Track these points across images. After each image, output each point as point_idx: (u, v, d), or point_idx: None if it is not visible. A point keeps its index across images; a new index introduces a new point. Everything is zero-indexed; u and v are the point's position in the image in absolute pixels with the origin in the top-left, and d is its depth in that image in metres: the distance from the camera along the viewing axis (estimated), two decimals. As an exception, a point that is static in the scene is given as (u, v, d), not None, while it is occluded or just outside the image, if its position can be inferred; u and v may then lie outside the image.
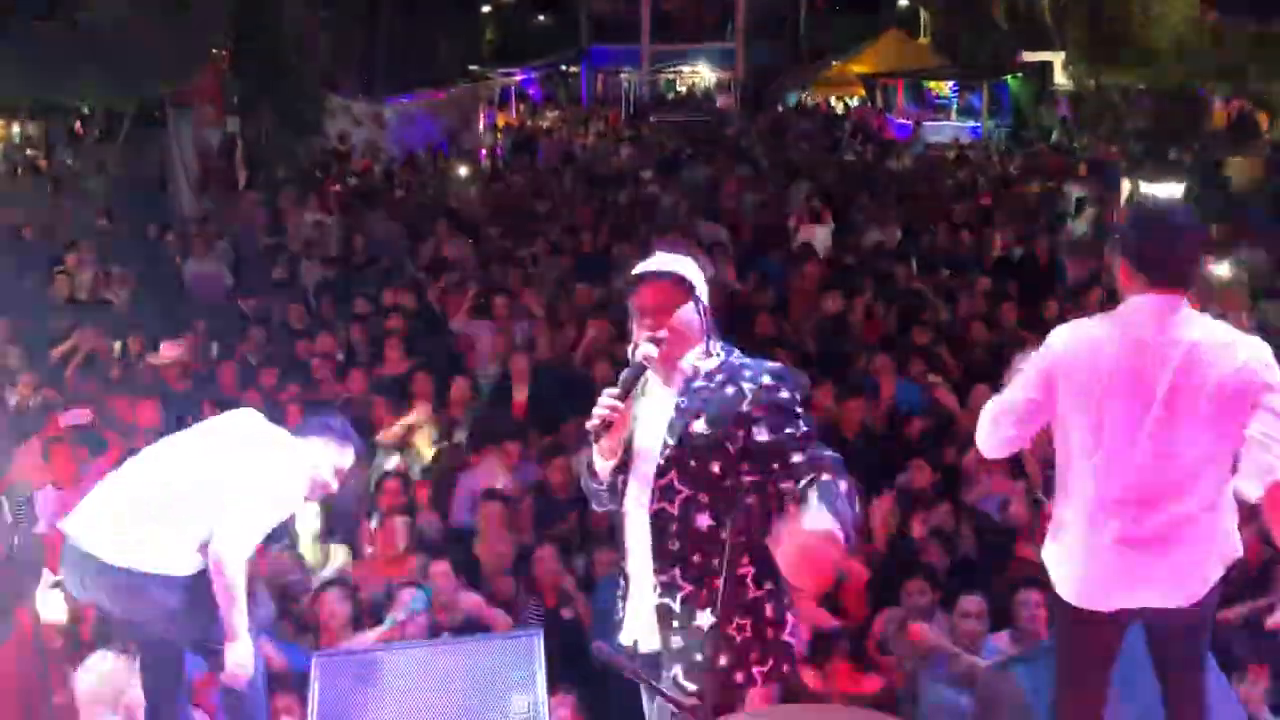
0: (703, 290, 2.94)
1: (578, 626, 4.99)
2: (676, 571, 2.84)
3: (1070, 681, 3.15)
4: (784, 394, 2.83)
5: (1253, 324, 8.34)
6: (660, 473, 2.83)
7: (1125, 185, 13.97)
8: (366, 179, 16.85)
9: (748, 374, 2.86)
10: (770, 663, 2.87)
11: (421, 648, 3.27)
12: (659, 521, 2.84)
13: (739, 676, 2.83)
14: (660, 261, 2.94)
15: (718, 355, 2.89)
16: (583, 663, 3.84)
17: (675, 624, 2.85)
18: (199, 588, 3.62)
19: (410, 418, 6.62)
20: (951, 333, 8.41)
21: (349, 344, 8.33)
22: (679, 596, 2.83)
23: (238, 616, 3.61)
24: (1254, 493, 2.87)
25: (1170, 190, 12.37)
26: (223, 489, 3.65)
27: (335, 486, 3.98)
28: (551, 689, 3.27)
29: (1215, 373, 2.86)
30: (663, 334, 2.84)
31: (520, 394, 7.22)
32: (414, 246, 11.59)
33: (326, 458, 3.91)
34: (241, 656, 3.63)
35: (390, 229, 12.22)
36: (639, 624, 2.92)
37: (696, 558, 2.83)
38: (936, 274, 10.30)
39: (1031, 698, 3.33)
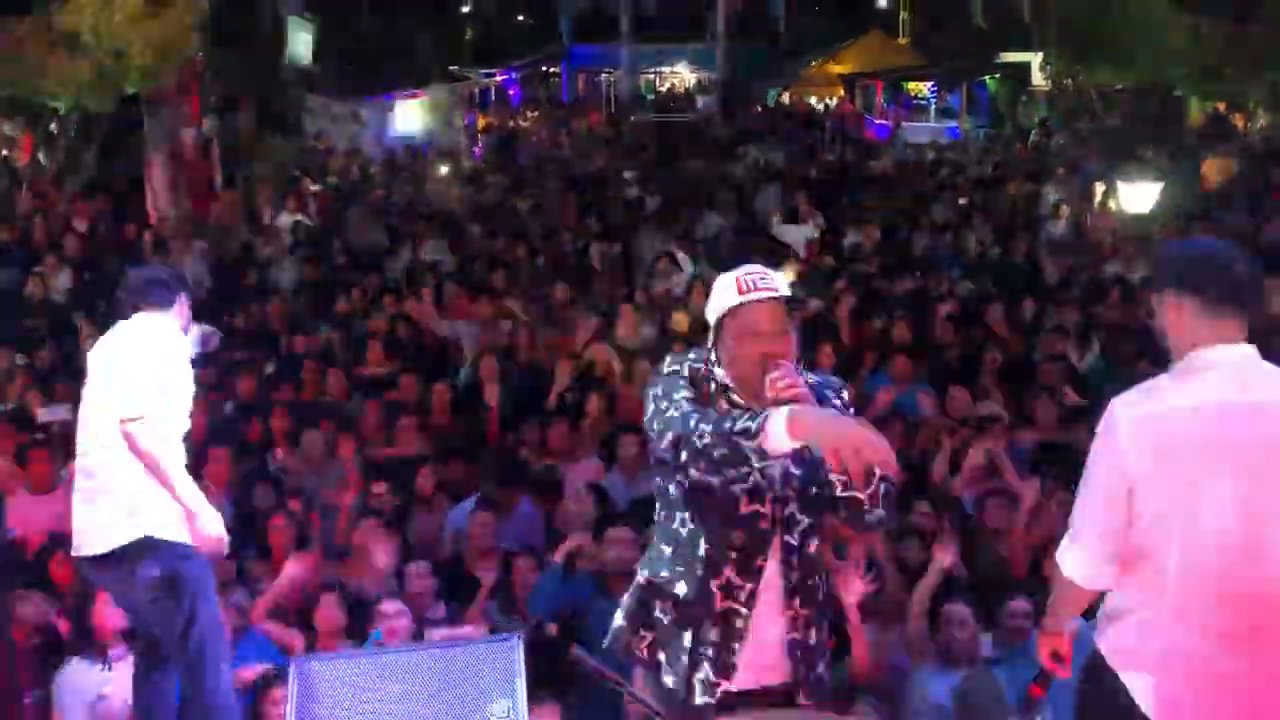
0: None
1: (560, 642, 4.91)
2: (798, 601, 2.84)
3: None
4: (852, 412, 2.86)
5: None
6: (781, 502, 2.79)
7: (1100, 185, 14.04)
8: (345, 179, 16.79)
9: (830, 391, 2.83)
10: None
11: (400, 653, 3.25)
12: (784, 555, 2.81)
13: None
14: (769, 278, 2.78)
15: (804, 373, 2.79)
16: (565, 677, 3.84)
17: (800, 654, 2.86)
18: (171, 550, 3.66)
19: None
20: (930, 332, 8.43)
21: (327, 345, 8.30)
22: (805, 627, 2.86)
23: (181, 488, 3.70)
24: None
25: (1147, 190, 12.43)
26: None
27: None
28: (533, 700, 3.25)
29: None
30: (784, 363, 2.67)
31: (492, 396, 7.20)
32: (393, 247, 11.56)
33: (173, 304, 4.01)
34: (209, 527, 3.73)
35: (369, 229, 12.18)
36: (761, 662, 2.86)
37: (810, 582, 2.85)
38: (915, 274, 10.35)
39: (1010, 697, 3.33)
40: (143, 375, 3.73)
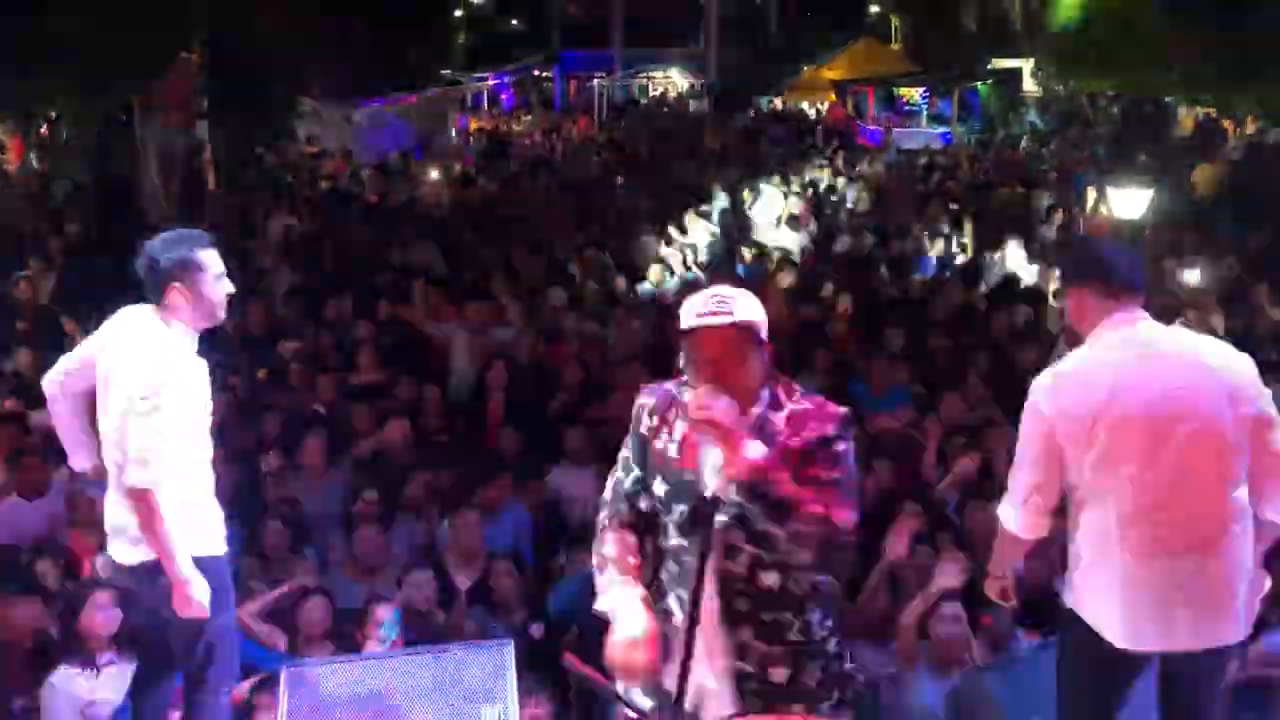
0: (764, 329, 2.75)
1: (546, 644, 4.91)
2: (748, 633, 2.75)
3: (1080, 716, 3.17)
4: (840, 446, 2.71)
5: (1222, 329, 8.45)
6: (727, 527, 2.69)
7: (1091, 191, 14.09)
8: (337, 183, 16.77)
9: (812, 425, 2.72)
10: (836, 695, 2.83)
11: (392, 658, 3.25)
12: (722, 587, 2.73)
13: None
14: (727, 303, 2.70)
15: (771, 401, 2.75)
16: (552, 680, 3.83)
17: (753, 688, 2.76)
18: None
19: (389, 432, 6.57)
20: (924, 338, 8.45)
21: (317, 350, 8.26)
22: (760, 662, 2.75)
23: (178, 558, 3.40)
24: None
25: (1137, 196, 12.48)
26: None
27: (215, 295, 3.60)
28: (522, 700, 3.25)
29: (1211, 384, 2.93)
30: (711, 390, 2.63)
31: (497, 405, 7.18)
32: (384, 251, 11.54)
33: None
34: (195, 594, 3.43)
35: (361, 233, 12.17)
36: (704, 690, 2.77)
37: (770, 617, 2.75)
38: (909, 278, 10.38)
39: (1004, 704, 3.35)
40: (135, 408, 3.40)
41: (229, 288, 3.65)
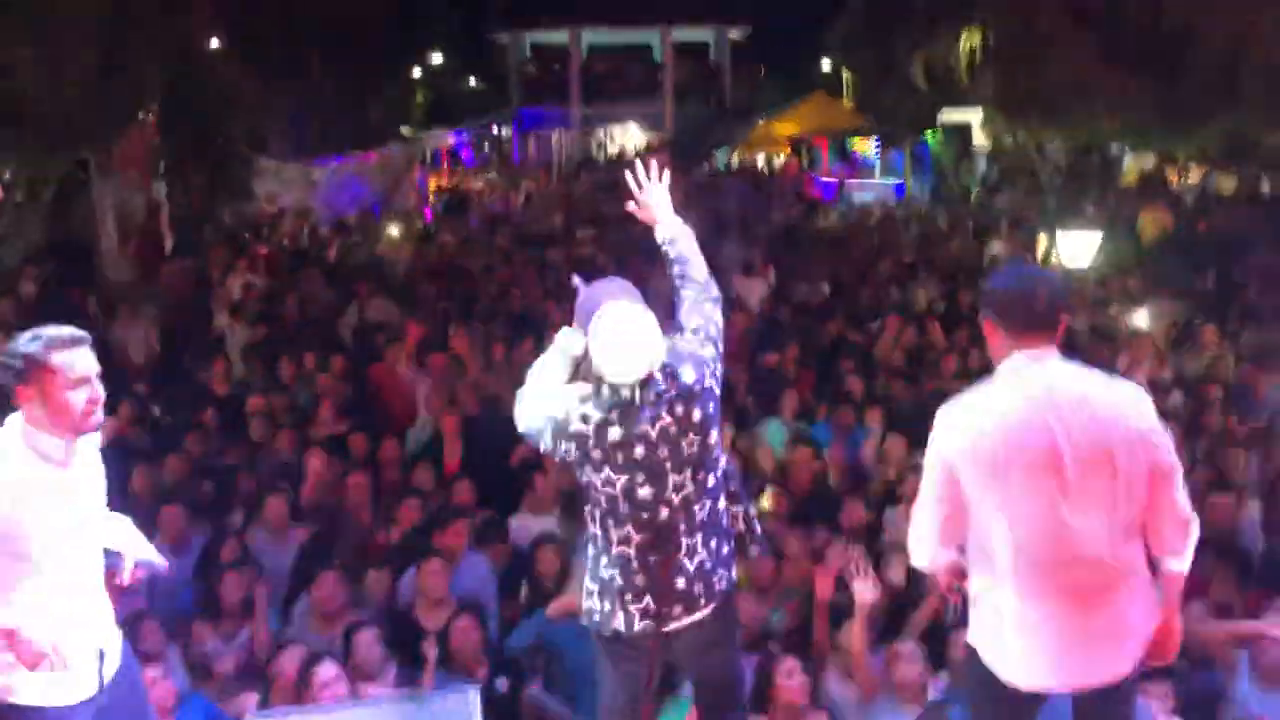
0: None
1: (513, 699, 4.91)
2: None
3: None
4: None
5: (1167, 373, 8.64)
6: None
7: (1042, 239, 14.38)
8: (296, 241, 16.75)
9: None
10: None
11: (360, 707, 3.22)
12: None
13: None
14: None
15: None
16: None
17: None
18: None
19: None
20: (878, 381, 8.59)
21: (273, 406, 8.23)
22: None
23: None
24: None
25: (1085, 240, 12.75)
26: None
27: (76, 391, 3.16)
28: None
29: (1109, 430, 2.89)
30: None
31: (453, 454, 7.20)
32: (342, 307, 11.53)
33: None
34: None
35: (321, 291, 12.15)
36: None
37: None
38: (865, 327, 10.53)
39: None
40: None
41: (95, 394, 3.20)
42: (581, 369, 3.37)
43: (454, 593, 5.41)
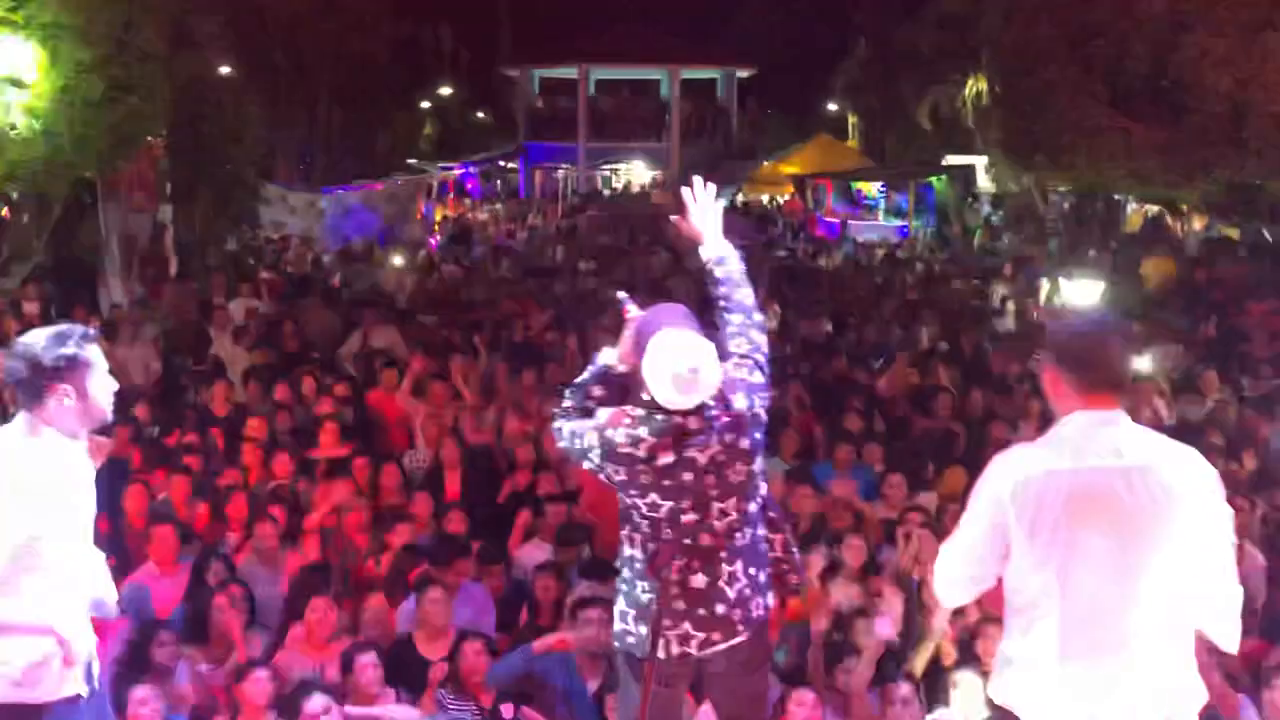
0: None
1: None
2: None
3: None
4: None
5: (1170, 418, 8.62)
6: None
7: (1045, 283, 14.43)
8: (300, 267, 16.81)
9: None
10: None
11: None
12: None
13: None
14: None
15: None
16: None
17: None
18: None
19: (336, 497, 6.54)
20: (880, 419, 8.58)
21: (272, 432, 8.21)
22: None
23: None
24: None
25: (1090, 288, 12.78)
26: None
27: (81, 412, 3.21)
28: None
29: (1175, 502, 2.79)
30: None
31: (453, 481, 7.20)
32: (345, 334, 11.54)
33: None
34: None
35: (323, 317, 12.17)
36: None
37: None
38: (867, 365, 10.52)
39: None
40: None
41: (114, 385, 3.30)
42: (632, 393, 3.32)
43: (458, 621, 5.39)
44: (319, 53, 22.48)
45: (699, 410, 3.16)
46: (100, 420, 3.27)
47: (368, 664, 4.82)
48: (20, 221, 13.18)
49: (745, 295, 3.52)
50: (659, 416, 3.18)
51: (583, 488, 6.75)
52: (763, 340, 3.45)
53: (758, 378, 3.35)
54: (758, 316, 3.51)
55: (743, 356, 3.38)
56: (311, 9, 22.87)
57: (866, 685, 4.69)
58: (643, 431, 3.19)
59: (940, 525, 6.06)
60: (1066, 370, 2.86)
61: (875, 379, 9.94)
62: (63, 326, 3.24)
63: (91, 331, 3.30)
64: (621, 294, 3.54)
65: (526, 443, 7.64)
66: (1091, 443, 2.81)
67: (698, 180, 3.66)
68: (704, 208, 3.62)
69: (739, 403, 3.24)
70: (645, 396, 3.20)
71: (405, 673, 5.07)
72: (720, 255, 3.59)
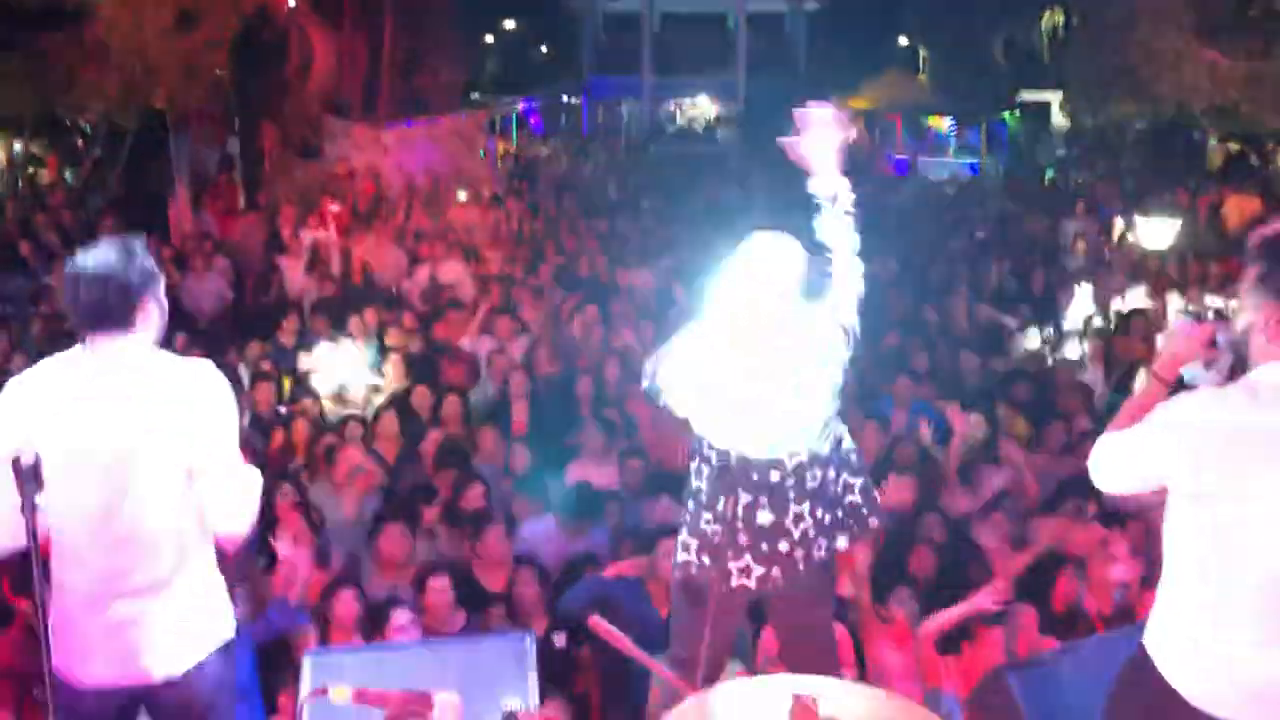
0: None
1: (569, 654, 4.91)
2: None
3: None
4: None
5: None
6: None
7: (1118, 221, 14.05)
8: (366, 202, 16.89)
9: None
10: None
11: (414, 648, 3.26)
12: None
13: None
14: None
15: None
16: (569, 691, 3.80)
17: None
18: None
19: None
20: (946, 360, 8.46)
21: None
22: None
23: None
24: None
25: (1166, 227, 12.41)
26: None
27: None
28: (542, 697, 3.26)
29: None
30: None
31: (520, 412, 7.24)
32: (411, 269, 11.62)
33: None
34: None
35: (389, 251, 12.26)
36: None
37: None
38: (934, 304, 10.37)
39: (1024, 705, 3.30)
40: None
41: None
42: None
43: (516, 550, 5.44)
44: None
45: None
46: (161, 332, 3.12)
47: (440, 587, 4.90)
48: (95, 154, 13.41)
49: (850, 251, 3.43)
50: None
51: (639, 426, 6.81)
52: (854, 314, 3.38)
53: (839, 337, 3.33)
54: (859, 284, 3.42)
55: (833, 309, 3.35)
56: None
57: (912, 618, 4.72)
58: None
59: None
60: None
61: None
62: (117, 241, 3.06)
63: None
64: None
65: (587, 375, 7.66)
66: None
67: (822, 105, 3.48)
68: (823, 138, 3.45)
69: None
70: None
71: (465, 601, 5.12)
72: (833, 193, 3.46)
